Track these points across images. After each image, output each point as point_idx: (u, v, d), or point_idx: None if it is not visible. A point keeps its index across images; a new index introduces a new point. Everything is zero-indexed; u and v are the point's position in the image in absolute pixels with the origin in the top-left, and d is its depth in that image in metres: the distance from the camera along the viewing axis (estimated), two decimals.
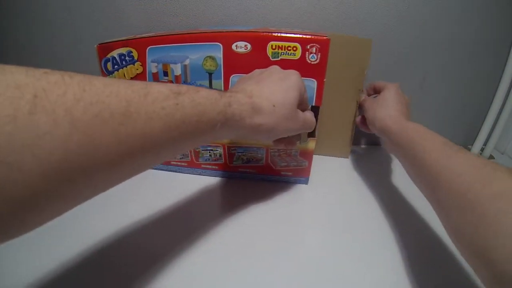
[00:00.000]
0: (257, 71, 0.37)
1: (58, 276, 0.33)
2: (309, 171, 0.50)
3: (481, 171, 0.26)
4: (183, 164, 0.52)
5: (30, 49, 0.55)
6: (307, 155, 0.48)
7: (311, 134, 0.44)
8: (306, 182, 0.51)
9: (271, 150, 0.48)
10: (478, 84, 0.59)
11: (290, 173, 0.50)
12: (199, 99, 0.25)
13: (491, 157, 0.63)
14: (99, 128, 0.18)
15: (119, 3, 0.49)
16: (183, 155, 0.50)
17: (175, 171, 0.53)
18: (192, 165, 0.51)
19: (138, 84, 0.21)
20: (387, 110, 0.43)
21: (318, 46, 0.39)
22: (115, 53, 0.43)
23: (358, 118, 0.53)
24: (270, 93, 0.32)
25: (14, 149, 0.15)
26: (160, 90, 0.22)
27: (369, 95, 0.52)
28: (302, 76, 0.40)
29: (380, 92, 0.48)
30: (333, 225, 0.44)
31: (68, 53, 0.54)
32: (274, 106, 0.31)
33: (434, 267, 0.37)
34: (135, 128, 0.20)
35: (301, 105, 0.36)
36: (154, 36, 0.42)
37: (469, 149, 0.64)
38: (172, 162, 0.52)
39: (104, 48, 0.43)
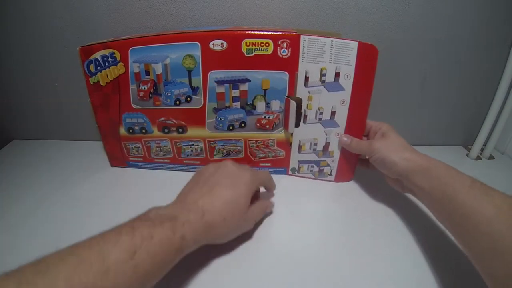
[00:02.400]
0: (211, 169, 0.39)
1: None
2: (288, 161, 0.53)
3: (510, 219, 0.27)
4: (166, 161, 0.54)
5: (19, 48, 0.56)
6: (284, 145, 0.51)
7: (297, 124, 0.47)
8: (285, 172, 0.54)
9: (249, 142, 0.51)
10: (478, 84, 0.60)
11: (269, 164, 0.53)
12: (154, 248, 0.27)
13: (491, 157, 0.63)
14: None
15: (119, 3, 0.51)
16: (165, 152, 0.52)
17: (159, 169, 0.55)
18: (174, 162, 0.53)
19: (95, 259, 0.23)
20: (405, 153, 0.40)
21: (289, 42, 0.43)
22: (97, 55, 0.45)
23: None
24: (222, 205, 0.34)
25: None
26: (117, 257, 0.24)
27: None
28: (275, 69, 0.44)
29: (371, 132, 0.48)
30: (314, 216, 0.46)
31: (67, 54, 0.55)
32: (225, 219, 0.34)
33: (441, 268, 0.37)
34: None
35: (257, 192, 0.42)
36: (135, 38, 0.45)
37: (469, 149, 0.64)
38: (155, 160, 0.54)
39: (86, 51, 0.45)
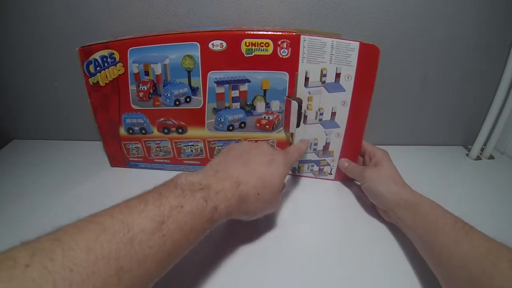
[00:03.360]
0: (245, 146, 0.38)
1: None
2: None
3: (485, 262, 0.27)
4: (166, 161, 0.54)
5: (19, 48, 0.56)
6: (284, 145, 0.51)
7: (297, 125, 0.48)
8: None
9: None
10: (478, 84, 0.60)
11: None
12: (184, 219, 0.25)
13: (491, 157, 0.63)
14: None
15: (119, 3, 0.51)
16: (165, 152, 0.52)
17: (159, 169, 0.55)
18: (174, 162, 0.53)
19: (118, 228, 0.21)
20: (393, 186, 0.41)
21: (289, 42, 0.43)
22: (97, 55, 0.45)
23: None
24: (257, 180, 0.33)
25: None
26: (143, 227, 0.22)
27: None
28: (275, 69, 0.44)
29: (366, 156, 0.48)
30: (316, 215, 0.47)
31: (67, 54, 0.54)
32: (258, 194, 0.33)
33: None
34: (132, 278, 0.21)
35: None
36: (135, 38, 0.45)
37: (469, 149, 0.64)
38: (155, 160, 0.54)
39: (86, 51, 0.45)
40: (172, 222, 0.24)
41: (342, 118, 0.47)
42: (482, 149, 0.64)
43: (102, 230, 0.21)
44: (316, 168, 0.52)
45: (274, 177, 0.35)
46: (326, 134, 0.49)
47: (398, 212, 0.39)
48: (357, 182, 0.53)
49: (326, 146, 0.50)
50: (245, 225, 0.42)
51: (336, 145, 0.50)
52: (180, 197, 0.26)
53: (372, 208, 0.46)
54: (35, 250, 0.18)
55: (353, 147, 0.50)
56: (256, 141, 0.47)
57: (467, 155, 0.64)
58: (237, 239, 0.41)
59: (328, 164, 0.52)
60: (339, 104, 0.46)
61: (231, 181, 0.31)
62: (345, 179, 0.53)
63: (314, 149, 0.50)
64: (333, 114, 0.47)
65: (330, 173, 0.53)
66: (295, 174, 0.54)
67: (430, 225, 0.34)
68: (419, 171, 0.55)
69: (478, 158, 0.62)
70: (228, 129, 0.49)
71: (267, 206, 0.36)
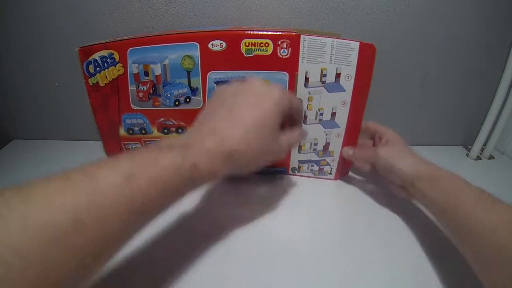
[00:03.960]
0: (231, 89, 0.33)
1: None
2: (289, 161, 0.52)
3: None
4: None
5: (19, 48, 0.56)
6: None
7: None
8: (285, 172, 0.54)
9: None
10: (478, 84, 0.59)
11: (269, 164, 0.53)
12: (157, 174, 0.23)
13: (491, 157, 0.63)
14: (50, 253, 0.17)
15: (119, 3, 0.51)
16: None
17: None
18: None
19: (83, 179, 0.20)
20: (411, 159, 0.41)
21: (289, 42, 0.42)
22: (96, 56, 0.45)
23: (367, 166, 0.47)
24: (244, 130, 0.29)
25: None
26: (110, 180, 0.21)
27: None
28: (275, 70, 0.44)
29: (377, 136, 0.48)
30: (320, 214, 0.47)
31: (67, 54, 0.54)
32: (249, 145, 0.29)
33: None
34: (94, 233, 0.19)
35: (292, 118, 0.36)
36: (134, 38, 0.45)
37: (469, 149, 0.64)
38: None
39: (86, 51, 0.45)
40: (143, 176, 0.22)
41: (342, 118, 0.47)
42: (482, 149, 0.64)
43: (66, 181, 0.20)
44: (316, 168, 0.52)
45: (266, 118, 0.30)
46: (326, 134, 0.48)
47: (418, 185, 0.37)
48: (357, 176, 0.53)
49: (326, 146, 0.50)
50: (244, 224, 0.43)
51: (336, 145, 0.50)
52: (155, 152, 0.24)
53: (372, 207, 0.46)
54: None
55: (351, 146, 0.50)
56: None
57: (467, 155, 0.63)
58: (237, 238, 0.41)
59: (328, 164, 0.52)
60: (339, 104, 0.46)
61: (214, 139, 0.28)
62: (344, 175, 0.53)
63: (314, 149, 0.50)
64: (333, 114, 0.47)
65: (330, 173, 0.53)
66: (295, 174, 0.54)
67: (452, 196, 0.33)
68: None
69: (478, 158, 0.62)
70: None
71: (265, 155, 0.32)
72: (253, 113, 0.30)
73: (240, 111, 0.30)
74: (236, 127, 0.29)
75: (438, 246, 0.40)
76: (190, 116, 0.48)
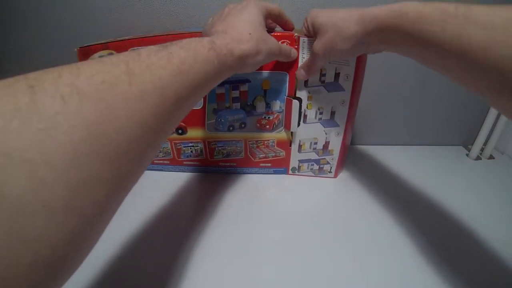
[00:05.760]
0: (214, 16, 0.38)
1: None
2: (289, 161, 0.53)
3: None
4: (165, 162, 0.53)
5: (19, 48, 0.56)
6: (284, 145, 0.51)
7: (298, 124, 0.48)
8: (285, 172, 0.54)
9: (249, 142, 0.50)
10: None
11: (269, 164, 0.53)
12: (186, 45, 0.25)
13: (491, 157, 0.63)
14: (109, 93, 0.17)
15: (119, 3, 0.51)
16: (165, 153, 0.52)
17: (159, 170, 0.54)
18: (174, 163, 0.53)
19: (123, 53, 0.21)
20: (348, 12, 0.33)
21: (289, 42, 0.42)
22: (95, 56, 0.45)
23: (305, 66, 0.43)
24: (242, 25, 0.33)
25: (27, 143, 0.14)
26: (148, 48, 0.22)
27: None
28: (276, 70, 0.44)
29: (314, 28, 0.37)
30: (318, 215, 0.47)
31: (67, 54, 0.54)
32: (250, 34, 0.33)
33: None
34: (144, 83, 0.19)
35: (277, 19, 0.40)
36: (134, 38, 0.45)
37: (469, 149, 0.64)
38: (154, 161, 0.53)
39: (85, 52, 0.45)
40: (175, 46, 0.24)
41: (342, 117, 0.47)
42: (482, 149, 0.64)
43: (109, 56, 0.20)
44: (316, 166, 0.53)
45: (252, 15, 0.35)
46: (326, 133, 0.49)
47: (380, 32, 0.31)
48: (357, 174, 0.53)
49: (325, 145, 0.50)
50: (244, 223, 0.43)
51: (336, 144, 0.50)
52: (177, 40, 0.26)
53: (372, 205, 0.46)
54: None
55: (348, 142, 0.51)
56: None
57: (467, 155, 0.64)
58: (236, 237, 0.41)
59: (328, 163, 0.52)
60: (339, 103, 0.46)
61: (218, 34, 0.31)
62: (340, 171, 0.53)
63: (314, 148, 0.50)
64: (333, 113, 0.47)
65: (330, 171, 0.53)
66: (295, 174, 0.54)
67: (441, 16, 0.25)
68: (419, 171, 0.55)
69: (478, 158, 0.62)
70: (229, 130, 0.49)
71: (265, 43, 0.35)
72: (242, 14, 0.34)
73: (232, 17, 0.34)
74: (235, 26, 0.33)
75: (438, 242, 0.40)
76: (190, 117, 0.48)
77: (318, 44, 0.37)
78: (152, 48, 0.22)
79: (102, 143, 0.16)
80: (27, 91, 0.15)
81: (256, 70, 0.43)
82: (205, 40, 0.28)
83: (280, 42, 0.39)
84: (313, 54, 0.40)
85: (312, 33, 0.39)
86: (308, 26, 0.39)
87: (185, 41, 0.26)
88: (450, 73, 0.29)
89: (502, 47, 0.21)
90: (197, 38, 0.27)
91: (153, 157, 0.23)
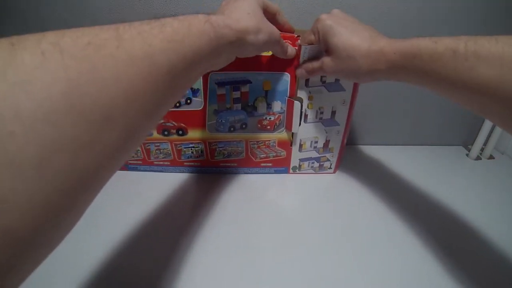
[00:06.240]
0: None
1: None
2: (289, 161, 0.53)
3: None
4: (166, 163, 0.53)
5: None
6: (285, 145, 0.51)
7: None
8: (286, 171, 0.54)
9: (250, 143, 0.50)
10: None
11: (270, 164, 0.53)
12: (179, 17, 0.24)
13: (491, 157, 0.63)
14: (95, 54, 0.16)
15: (119, 3, 0.51)
16: (165, 154, 0.52)
17: (159, 171, 0.54)
18: (175, 164, 0.53)
19: (116, 24, 0.20)
20: (365, 31, 0.35)
21: (290, 42, 0.42)
22: None
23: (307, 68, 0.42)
24: (239, 9, 0.32)
25: (1, 97, 0.13)
26: (140, 21, 0.21)
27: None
28: (277, 70, 0.44)
29: (326, 46, 0.38)
30: (318, 214, 0.47)
31: None
32: (248, 13, 0.32)
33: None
34: (133, 48, 0.19)
35: (274, 18, 0.39)
36: None
37: (469, 149, 0.64)
38: (155, 162, 0.53)
39: None
40: (169, 19, 0.23)
41: (342, 116, 0.47)
42: (482, 149, 0.64)
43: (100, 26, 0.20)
44: (316, 164, 0.53)
45: (251, 5, 0.33)
46: (326, 132, 0.49)
47: (391, 62, 0.33)
48: (355, 170, 0.53)
49: (326, 143, 0.50)
50: (246, 222, 0.43)
51: (336, 142, 0.50)
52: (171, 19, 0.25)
53: (372, 204, 0.46)
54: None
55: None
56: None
57: (467, 155, 0.64)
58: (237, 236, 0.41)
59: (328, 160, 0.53)
60: (339, 103, 0.46)
61: (217, 14, 0.31)
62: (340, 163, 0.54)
63: (315, 147, 0.51)
64: (333, 113, 0.47)
65: (330, 168, 0.54)
66: (296, 172, 0.54)
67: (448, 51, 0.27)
68: (419, 171, 0.55)
69: (478, 158, 0.62)
70: (229, 130, 0.49)
71: (265, 24, 0.34)
72: (241, 2, 0.33)
73: (231, 4, 0.33)
74: (233, 9, 0.32)
75: (438, 242, 0.40)
76: (190, 118, 0.48)
77: (330, 66, 0.37)
78: (144, 21, 0.21)
79: (83, 103, 0.15)
80: (7, 48, 0.14)
81: (256, 70, 0.43)
82: (201, 15, 0.27)
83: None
84: (322, 68, 0.39)
85: (323, 47, 0.39)
86: (319, 38, 0.39)
87: (180, 17, 0.25)
88: (463, 105, 0.29)
89: None
90: (191, 15, 0.26)
91: (145, 134, 0.22)
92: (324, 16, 0.38)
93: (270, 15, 0.39)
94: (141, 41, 0.19)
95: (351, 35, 0.35)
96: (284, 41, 0.42)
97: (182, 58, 0.23)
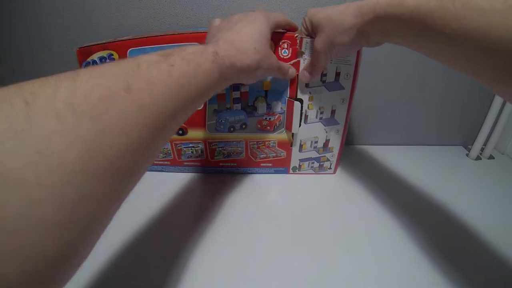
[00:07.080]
0: (223, 21, 0.37)
1: None
2: (289, 161, 0.52)
3: None
4: (166, 163, 0.53)
5: (19, 48, 0.55)
6: (285, 146, 0.51)
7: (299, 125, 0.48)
8: (286, 171, 0.54)
9: (250, 143, 0.50)
10: (478, 84, 0.58)
11: (270, 164, 0.53)
12: (189, 56, 0.25)
13: (491, 157, 0.63)
14: (106, 111, 0.17)
15: (119, 3, 0.51)
16: (165, 153, 0.52)
17: (159, 170, 0.54)
18: (175, 163, 0.53)
19: (124, 61, 0.21)
20: (345, 5, 0.33)
21: (289, 42, 0.42)
22: (95, 57, 0.45)
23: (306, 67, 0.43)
24: (248, 38, 0.33)
25: (21, 165, 0.14)
26: (148, 59, 0.22)
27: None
28: None
29: (313, 27, 0.39)
30: (317, 215, 0.47)
31: (67, 54, 0.54)
32: (255, 48, 0.33)
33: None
34: (142, 100, 0.19)
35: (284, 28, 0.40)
36: (134, 38, 0.44)
37: (469, 149, 0.64)
38: (155, 162, 0.53)
39: (84, 52, 0.45)
40: (178, 57, 0.24)
41: (342, 115, 0.47)
42: (482, 149, 0.64)
43: (108, 63, 0.20)
44: (316, 164, 0.53)
45: (261, 30, 0.35)
46: (326, 132, 0.49)
47: (372, 27, 0.31)
48: (356, 170, 0.53)
49: (326, 143, 0.50)
50: (245, 222, 0.43)
51: (336, 141, 0.50)
52: (180, 48, 0.26)
53: (372, 203, 0.46)
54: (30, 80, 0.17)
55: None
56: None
57: (467, 155, 0.64)
58: (237, 236, 0.41)
59: (328, 160, 0.53)
60: (339, 101, 0.46)
61: (224, 41, 0.31)
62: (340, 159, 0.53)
63: (315, 147, 0.51)
64: (333, 112, 0.47)
65: (330, 168, 0.54)
66: (296, 173, 0.54)
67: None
68: (419, 171, 0.55)
69: (478, 158, 0.62)
70: (229, 130, 0.49)
71: (267, 58, 0.35)
72: (252, 26, 0.34)
73: (240, 28, 0.34)
74: (242, 37, 0.33)
75: (438, 241, 0.40)
76: (190, 117, 0.47)
77: (318, 41, 0.37)
78: (153, 58, 0.22)
79: (97, 161, 0.16)
80: (22, 110, 0.14)
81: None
82: (210, 51, 0.28)
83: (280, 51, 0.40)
84: (314, 53, 0.40)
85: (311, 32, 0.39)
86: (307, 26, 0.40)
87: (189, 50, 0.26)
88: (453, 64, 0.28)
89: (504, 28, 0.20)
90: (201, 47, 0.27)
91: (146, 168, 0.23)
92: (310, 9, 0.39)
93: (281, 28, 0.41)
94: (150, 92, 0.20)
95: (334, 7, 0.35)
96: (284, 41, 0.42)
97: (187, 100, 0.24)
